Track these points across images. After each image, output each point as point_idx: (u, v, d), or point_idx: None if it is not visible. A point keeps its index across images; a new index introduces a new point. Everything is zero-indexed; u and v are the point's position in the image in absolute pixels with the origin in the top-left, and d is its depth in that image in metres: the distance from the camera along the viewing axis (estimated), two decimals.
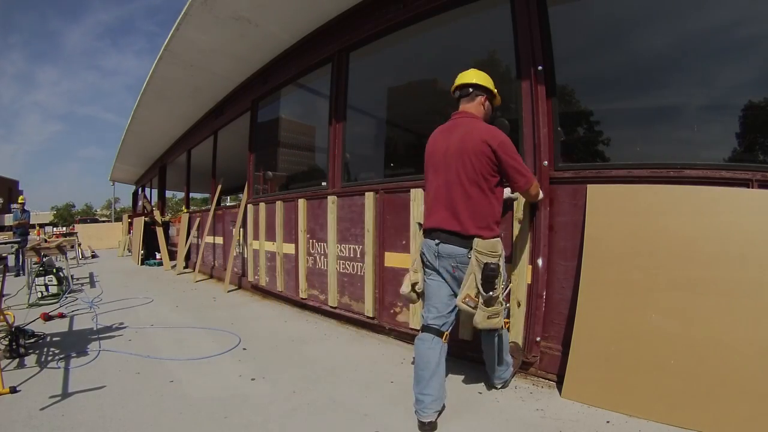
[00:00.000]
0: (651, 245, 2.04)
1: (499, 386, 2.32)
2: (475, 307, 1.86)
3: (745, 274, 1.83)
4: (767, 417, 1.71)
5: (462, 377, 2.50)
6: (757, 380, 1.75)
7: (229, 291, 5.61)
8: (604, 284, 2.13)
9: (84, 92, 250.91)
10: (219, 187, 7.04)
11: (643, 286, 2.03)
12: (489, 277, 1.82)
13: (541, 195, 2.27)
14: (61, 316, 4.13)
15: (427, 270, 2.07)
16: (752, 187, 1.94)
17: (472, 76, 2.11)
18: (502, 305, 1.92)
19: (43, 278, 5.02)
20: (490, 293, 1.83)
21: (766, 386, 1.73)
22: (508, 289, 2.03)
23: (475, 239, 1.87)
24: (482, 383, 2.40)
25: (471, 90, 2.09)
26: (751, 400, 1.75)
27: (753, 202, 1.91)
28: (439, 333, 1.96)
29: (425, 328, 1.99)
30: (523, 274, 2.46)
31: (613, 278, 2.11)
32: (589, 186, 2.27)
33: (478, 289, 1.84)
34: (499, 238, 1.95)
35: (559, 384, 2.32)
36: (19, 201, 8.65)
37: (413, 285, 2.12)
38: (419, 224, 2.16)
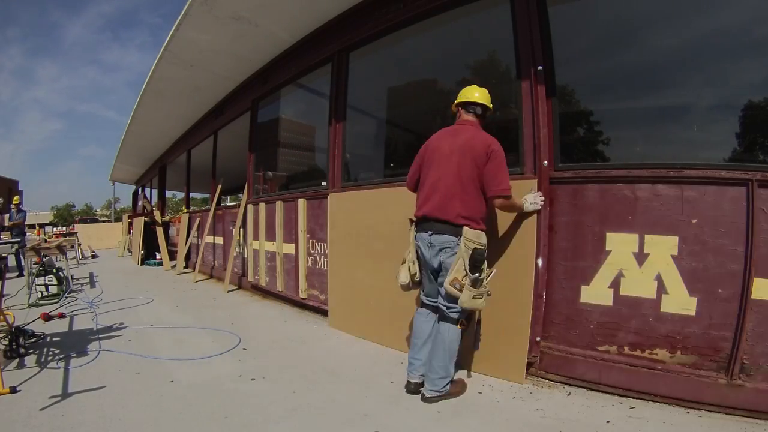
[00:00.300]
0: (355, 229, 3.43)
1: (428, 395, 2.18)
2: (460, 289, 2.06)
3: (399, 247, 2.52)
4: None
5: (461, 377, 2.50)
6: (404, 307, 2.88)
7: (229, 291, 5.61)
8: (338, 255, 3.63)
9: (84, 89, 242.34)
10: (219, 187, 7.04)
11: (354, 255, 3.45)
12: (477, 261, 2.06)
13: (532, 206, 2.36)
14: (61, 316, 4.13)
15: (420, 262, 2.33)
16: (752, 187, 1.95)
17: (482, 97, 2.31)
18: (485, 289, 2.10)
19: (43, 278, 5.02)
20: (477, 275, 2.05)
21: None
22: (491, 275, 2.18)
23: (464, 228, 2.11)
24: (482, 383, 2.40)
25: (479, 111, 2.32)
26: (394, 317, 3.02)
27: (399, 197, 2.85)
28: (434, 310, 2.32)
29: (423, 305, 2.41)
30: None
31: (341, 251, 3.59)
32: (330, 194, 3.70)
33: (465, 271, 2.06)
34: (483, 233, 2.16)
35: (561, 384, 2.33)
36: (14, 202, 8.62)
37: (413, 276, 2.34)
38: (411, 220, 2.37)
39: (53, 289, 5.04)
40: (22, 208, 8.59)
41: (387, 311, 3.09)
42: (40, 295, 4.96)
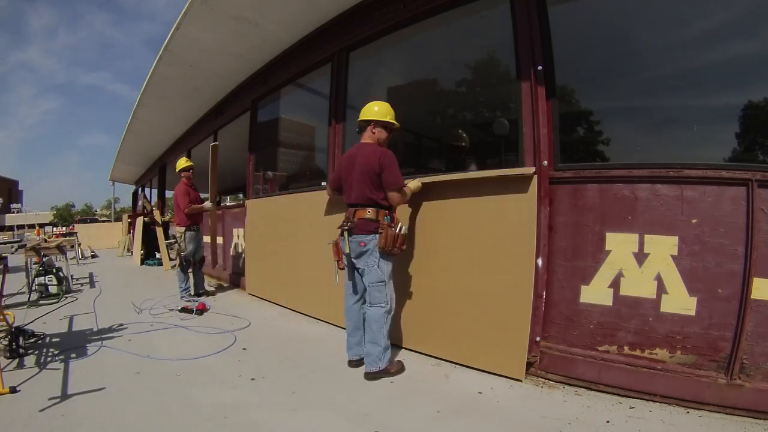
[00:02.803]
0: (268, 224, 4.72)
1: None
2: None
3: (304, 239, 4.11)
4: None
5: (462, 377, 2.50)
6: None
7: (228, 291, 5.60)
8: (254, 240, 5.07)
9: (88, 50, 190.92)
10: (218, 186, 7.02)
11: (265, 240, 4.77)
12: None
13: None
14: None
15: None
16: (752, 187, 1.95)
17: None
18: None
19: (43, 278, 5.02)
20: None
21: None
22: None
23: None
24: (482, 384, 2.40)
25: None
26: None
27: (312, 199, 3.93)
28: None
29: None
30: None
31: (257, 238, 4.99)
32: (246, 201, 5.15)
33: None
34: (185, 228, 4.58)
35: (560, 384, 2.33)
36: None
37: None
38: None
39: (53, 289, 5.04)
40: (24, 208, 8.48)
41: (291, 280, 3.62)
42: (40, 294, 4.96)
